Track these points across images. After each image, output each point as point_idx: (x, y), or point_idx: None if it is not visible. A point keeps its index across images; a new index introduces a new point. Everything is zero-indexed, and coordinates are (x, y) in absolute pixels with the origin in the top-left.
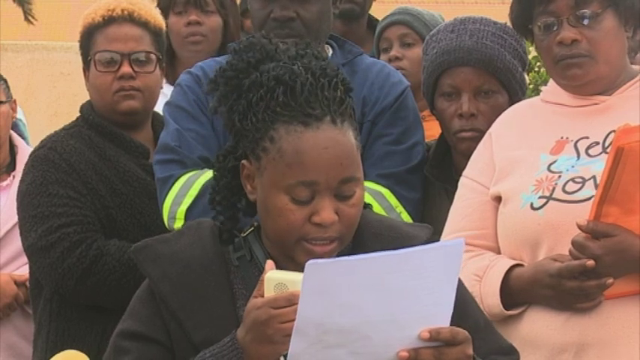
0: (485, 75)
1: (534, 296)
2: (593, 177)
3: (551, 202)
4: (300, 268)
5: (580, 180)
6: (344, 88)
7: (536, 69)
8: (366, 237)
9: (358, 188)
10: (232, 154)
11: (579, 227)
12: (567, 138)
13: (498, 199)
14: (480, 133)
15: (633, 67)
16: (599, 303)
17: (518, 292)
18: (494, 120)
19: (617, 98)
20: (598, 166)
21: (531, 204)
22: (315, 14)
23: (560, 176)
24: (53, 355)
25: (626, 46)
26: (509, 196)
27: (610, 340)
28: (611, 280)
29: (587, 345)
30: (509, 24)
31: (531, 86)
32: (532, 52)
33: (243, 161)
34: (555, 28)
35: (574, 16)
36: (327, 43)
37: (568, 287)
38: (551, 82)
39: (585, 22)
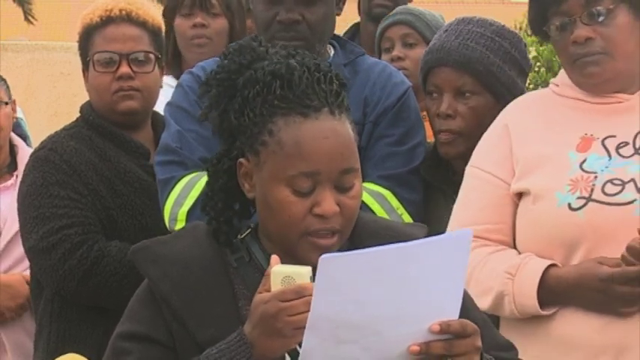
0: (466, 76)
1: (576, 298)
2: (632, 179)
3: (591, 203)
4: (303, 264)
5: (619, 182)
6: (339, 82)
7: (536, 69)
8: (363, 237)
9: (357, 180)
10: (226, 156)
11: None
12: (592, 135)
13: (520, 195)
14: (456, 135)
15: None
16: None
17: (556, 293)
18: (473, 122)
19: None
20: (634, 168)
21: (569, 204)
22: (321, 16)
23: (596, 177)
24: (54, 356)
25: None
26: (540, 194)
27: None
28: None
29: (627, 348)
30: (509, 25)
31: (531, 86)
32: (532, 52)
33: (240, 159)
34: (569, 27)
35: (587, 14)
36: (330, 43)
37: (619, 292)
38: (563, 76)
39: (599, 19)
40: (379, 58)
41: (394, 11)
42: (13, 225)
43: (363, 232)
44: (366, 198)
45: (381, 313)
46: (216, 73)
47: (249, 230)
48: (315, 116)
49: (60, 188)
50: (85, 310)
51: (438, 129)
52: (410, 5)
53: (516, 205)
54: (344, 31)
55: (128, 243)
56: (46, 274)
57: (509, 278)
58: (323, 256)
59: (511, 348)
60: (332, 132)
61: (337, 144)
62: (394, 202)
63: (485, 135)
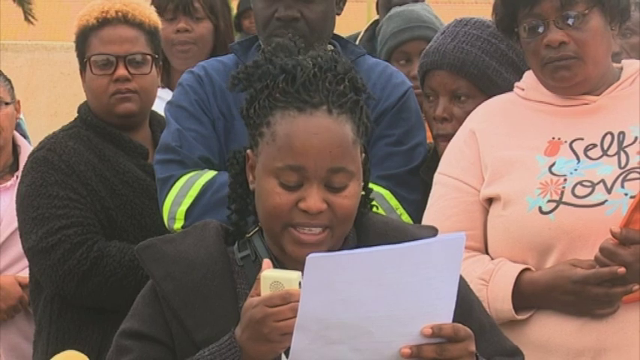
0: (461, 79)
1: (551, 301)
2: (602, 180)
3: (562, 206)
4: (294, 262)
5: (589, 184)
6: (351, 84)
7: None
8: (371, 237)
9: (351, 182)
10: (246, 149)
11: (613, 234)
12: (560, 139)
13: (490, 200)
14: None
15: (615, 65)
16: (617, 308)
17: (531, 297)
18: None
19: (608, 98)
20: (603, 170)
21: (539, 208)
22: (320, 14)
23: (565, 179)
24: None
25: (612, 44)
26: (510, 199)
27: (628, 344)
28: (637, 287)
29: (605, 350)
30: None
31: None
32: None
33: (248, 151)
34: (542, 30)
35: (560, 18)
36: (330, 43)
37: (593, 293)
38: (529, 79)
39: (572, 22)
40: None
41: (406, 22)
42: (10, 225)
43: (371, 233)
44: None
45: (370, 314)
46: (247, 67)
47: (256, 229)
48: (311, 112)
49: (59, 188)
50: (85, 311)
51: (435, 132)
52: (419, 12)
53: (486, 211)
54: (350, 33)
55: (128, 243)
56: (46, 274)
57: (483, 284)
58: (310, 255)
59: (517, 353)
60: (323, 129)
61: (327, 142)
62: (393, 202)
63: (452, 141)
